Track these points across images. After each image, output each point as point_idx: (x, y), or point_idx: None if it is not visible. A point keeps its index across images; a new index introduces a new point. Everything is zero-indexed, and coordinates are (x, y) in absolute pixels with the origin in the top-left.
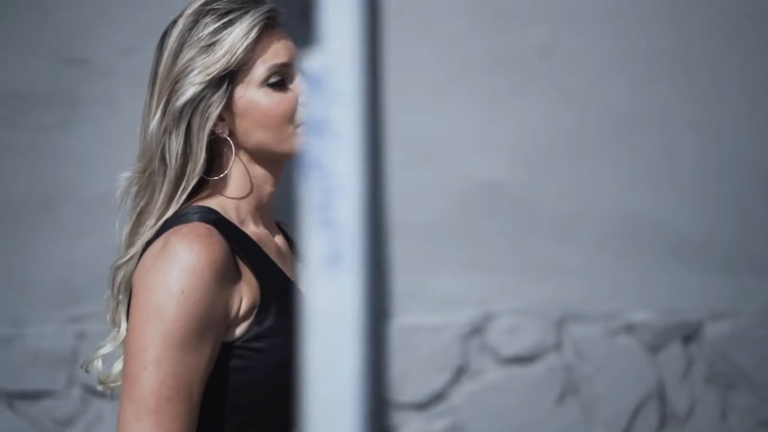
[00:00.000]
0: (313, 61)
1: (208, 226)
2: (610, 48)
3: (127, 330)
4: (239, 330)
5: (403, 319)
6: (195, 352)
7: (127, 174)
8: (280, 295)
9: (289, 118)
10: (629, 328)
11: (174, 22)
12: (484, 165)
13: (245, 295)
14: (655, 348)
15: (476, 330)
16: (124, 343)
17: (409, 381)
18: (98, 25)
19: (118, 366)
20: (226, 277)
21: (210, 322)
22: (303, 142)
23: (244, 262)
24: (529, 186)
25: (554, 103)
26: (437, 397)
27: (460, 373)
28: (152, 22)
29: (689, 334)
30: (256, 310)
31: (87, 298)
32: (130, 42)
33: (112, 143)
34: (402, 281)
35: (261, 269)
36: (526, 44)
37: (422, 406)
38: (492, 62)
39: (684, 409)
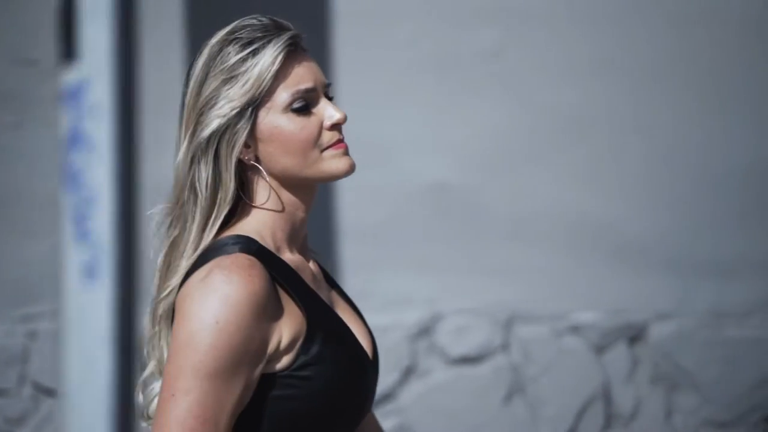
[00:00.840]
0: (70, 76)
1: (250, 257)
2: (559, 51)
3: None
4: (285, 360)
5: None
6: (226, 384)
7: (162, 206)
8: (324, 323)
9: (314, 143)
10: (575, 329)
11: (200, 52)
12: (433, 166)
13: (288, 326)
14: (600, 348)
15: (424, 330)
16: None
17: None
18: (49, 26)
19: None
20: (265, 311)
21: (245, 356)
22: (332, 165)
23: (287, 293)
24: (477, 187)
25: (503, 105)
26: (385, 397)
27: (408, 373)
28: None
29: (635, 335)
30: (302, 340)
31: (39, 298)
32: None
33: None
34: (351, 281)
35: (304, 299)
36: (476, 47)
37: None
38: (442, 64)
39: (629, 409)
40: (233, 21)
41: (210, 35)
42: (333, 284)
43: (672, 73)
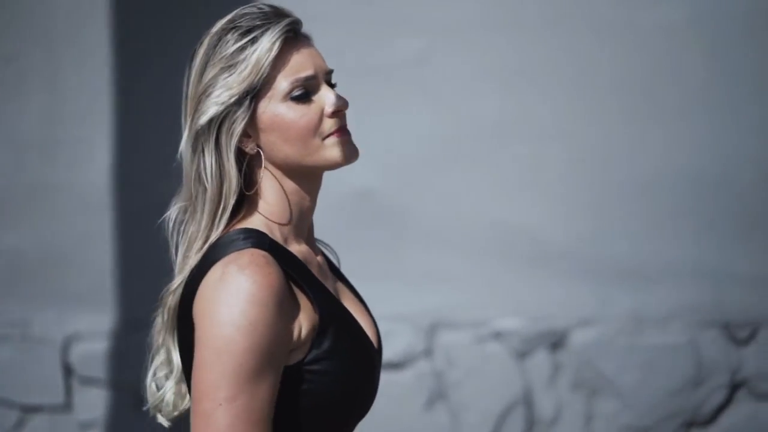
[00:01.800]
0: None
1: (265, 253)
2: (482, 60)
3: (195, 363)
4: (300, 354)
5: None
6: (265, 382)
7: (177, 204)
8: (334, 316)
9: (314, 131)
10: (497, 335)
11: (200, 42)
12: (357, 173)
13: (303, 320)
14: (522, 354)
15: None
16: (192, 376)
17: None
18: None
19: (170, 391)
20: (285, 305)
21: (276, 351)
22: (333, 153)
23: (300, 287)
24: (401, 194)
25: (426, 112)
26: None
27: None
28: (33, 29)
29: (556, 341)
30: (315, 334)
31: None
32: (10, 49)
33: None
34: None
35: (315, 293)
36: (400, 55)
37: None
38: (366, 72)
39: (550, 415)
40: (160, 25)
41: (138, 39)
42: (338, 274)
43: (591, 81)
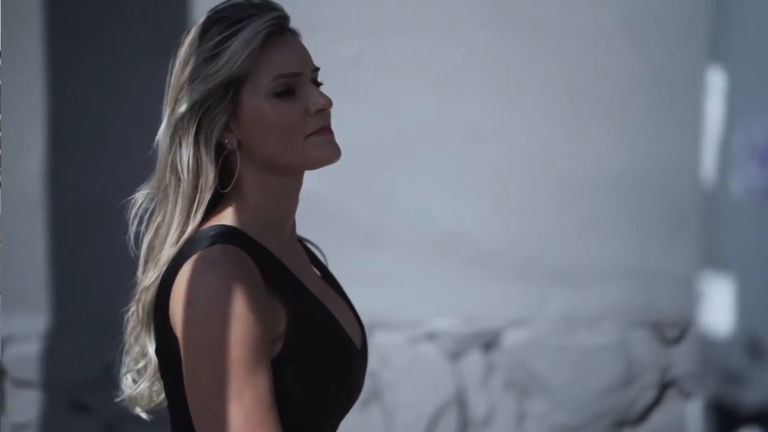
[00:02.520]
0: None
1: (236, 248)
2: (416, 61)
3: (186, 367)
4: (276, 348)
5: None
6: (262, 371)
7: (144, 191)
8: (307, 314)
9: (296, 129)
10: (431, 336)
11: (187, 32)
12: None
13: (278, 314)
14: (455, 355)
15: None
16: (186, 381)
17: None
18: None
19: (145, 385)
20: (261, 297)
21: (265, 340)
22: (315, 152)
23: (272, 283)
24: (336, 195)
25: (360, 113)
26: None
27: None
28: None
29: (489, 342)
30: (287, 329)
31: None
32: None
33: None
34: None
35: (288, 289)
36: (334, 56)
37: None
38: None
39: (483, 415)
40: (91, 25)
41: (69, 38)
42: (324, 273)
43: (524, 83)
